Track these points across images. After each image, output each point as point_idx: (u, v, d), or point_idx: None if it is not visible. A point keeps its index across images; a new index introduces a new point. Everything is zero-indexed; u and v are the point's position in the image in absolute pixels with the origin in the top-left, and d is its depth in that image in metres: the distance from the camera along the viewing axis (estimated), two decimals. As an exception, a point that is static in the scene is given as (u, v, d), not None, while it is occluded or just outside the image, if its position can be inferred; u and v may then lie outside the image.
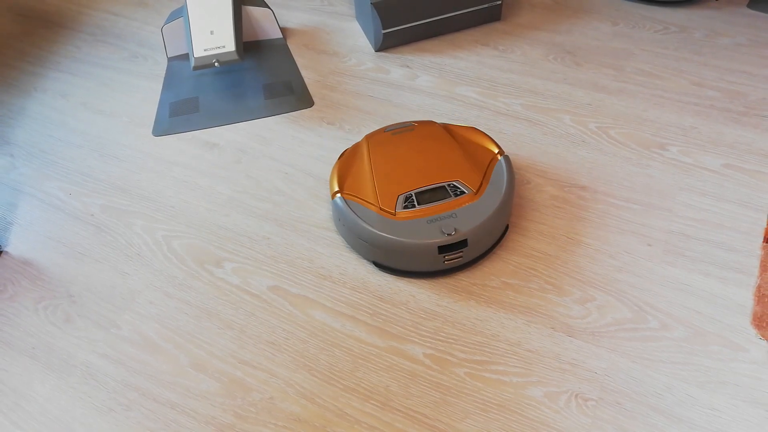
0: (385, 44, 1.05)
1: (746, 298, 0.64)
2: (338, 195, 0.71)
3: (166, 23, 1.05)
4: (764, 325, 0.62)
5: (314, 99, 0.97)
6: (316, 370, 0.62)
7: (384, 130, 0.79)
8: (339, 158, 0.76)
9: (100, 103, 1.01)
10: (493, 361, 0.61)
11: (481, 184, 0.69)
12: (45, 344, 0.66)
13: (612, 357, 0.60)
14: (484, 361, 0.61)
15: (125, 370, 0.63)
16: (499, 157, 0.73)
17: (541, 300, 0.66)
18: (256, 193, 0.82)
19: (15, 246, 0.78)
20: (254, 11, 1.07)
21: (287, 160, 0.87)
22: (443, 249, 0.65)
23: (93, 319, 0.68)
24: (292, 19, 1.18)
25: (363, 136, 0.90)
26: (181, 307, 0.68)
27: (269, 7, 1.08)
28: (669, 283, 0.66)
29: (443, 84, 0.98)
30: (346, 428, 0.57)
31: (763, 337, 0.61)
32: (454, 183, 0.69)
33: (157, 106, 0.99)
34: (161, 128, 0.94)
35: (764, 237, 0.70)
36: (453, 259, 0.66)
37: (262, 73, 1.03)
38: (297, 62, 1.06)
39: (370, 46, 1.08)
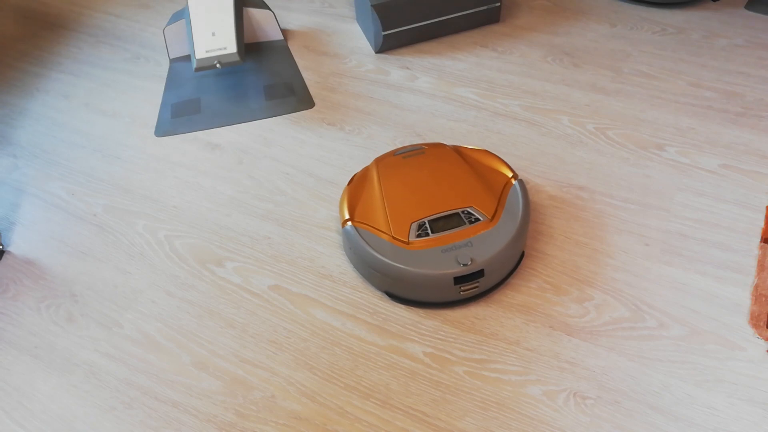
0: (385, 46, 1.06)
1: (743, 298, 0.65)
2: (349, 223, 0.68)
3: (167, 25, 1.05)
4: (761, 324, 0.62)
5: (315, 100, 0.98)
6: (317, 369, 0.62)
7: (394, 153, 0.76)
8: (348, 183, 0.74)
9: (102, 104, 1.01)
10: (492, 359, 0.62)
11: (496, 210, 0.67)
12: (47, 343, 0.67)
13: (610, 356, 0.61)
14: (483, 359, 0.62)
15: (127, 369, 0.63)
16: (513, 181, 0.71)
17: (539, 299, 0.67)
18: (258, 193, 0.83)
19: (18, 245, 0.78)
20: (255, 13, 1.07)
21: (288, 160, 0.87)
22: (459, 280, 0.62)
23: (95, 318, 0.69)
24: (292, 20, 1.19)
25: (363, 136, 0.90)
26: (182, 306, 0.69)
27: (270, 9, 1.09)
28: (666, 283, 0.67)
29: (442, 85, 0.99)
30: (346, 426, 0.57)
31: (761, 336, 0.61)
32: (469, 209, 0.67)
33: (159, 107, 1.00)
34: (163, 129, 0.95)
35: (761, 237, 0.71)
36: (469, 289, 0.64)
37: (263, 75, 1.04)
38: (298, 63, 1.06)
39: (370, 47, 1.09)
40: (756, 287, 0.66)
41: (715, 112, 0.89)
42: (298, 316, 0.67)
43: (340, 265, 0.72)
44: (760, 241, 0.70)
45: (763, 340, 0.61)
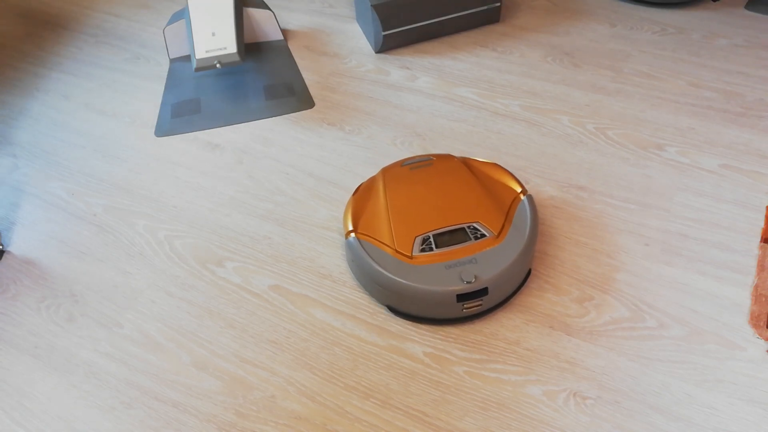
0: (385, 46, 1.06)
1: (743, 298, 0.65)
2: (352, 235, 0.67)
3: (167, 25, 1.05)
4: (761, 324, 0.62)
5: (315, 100, 0.98)
6: (317, 369, 0.62)
7: (401, 164, 0.75)
8: (354, 193, 0.73)
9: (102, 104, 1.01)
10: (492, 359, 0.62)
11: (503, 226, 0.65)
12: (47, 343, 0.67)
13: (610, 356, 0.61)
14: (483, 359, 0.62)
15: (127, 369, 0.63)
16: (521, 196, 0.69)
17: (539, 299, 0.67)
18: (258, 193, 0.83)
19: (18, 246, 0.78)
20: (255, 13, 1.07)
21: (288, 160, 0.87)
22: (462, 297, 0.61)
23: (95, 318, 0.69)
24: (292, 20, 1.19)
25: (363, 136, 0.90)
26: (182, 306, 0.69)
27: (270, 9, 1.09)
28: (666, 283, 0.67)
29: (442, 85, 0.99)
30: (346, 426, 0.57)
31: (761, 336, 0.61)
32: (475, 225, 0.65)
33: (159, 107, 1.00)
34: (163, 129, 0.95)
35: (762, 237, 0.71)
36: (472, 307, 0.62)
37: (263, 75, 1.04)
38: (298, 64, 1.06)
39: (370, 47, 1.09)
40: (756, 287, 0.66)
41: (715, 112, 0.89)
42: (298, 316, 0.67)
43: (340, 265, 0.72)
44: (760, 241, 0.70)
45: (763, 340, 0.61)
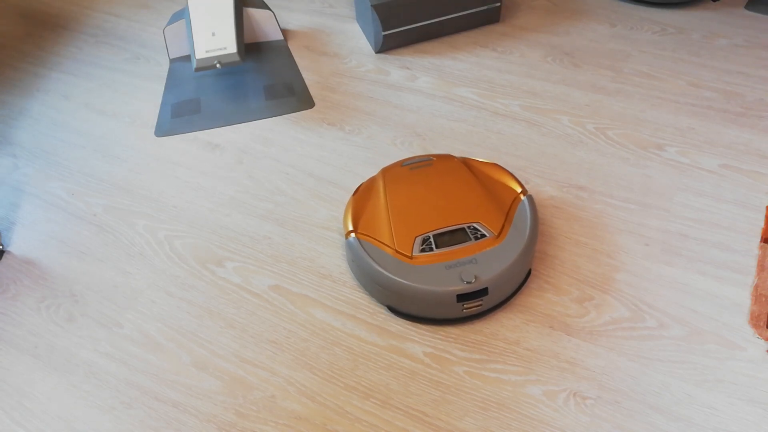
0: (385, 46, 1.06)
1: (743, 298, 0.65)
2: (352, 235, 0.67)
3: (167, 25, 1.05)
4: (761, 324, 0.62)
5: (315, 100, 0.98)
6: (317, 369, 0.62)
7: (401, 164, 0.75)
8: (354, 194, 0.73)
9: (102, 104, 1.01)
10: (492, 359, 0.62)
11: (503, 226, 0.66)
12: (47, 343, 0.67)
13: (610, 356, 0.61)
14: (483, 359, 0.62)
15: (127, 369, 0.63)
16: (522, 197, 0.69)
17: (539, 299, 0.67)
18: (258, 193, 0.83)
19: (18, 246, 0.78)
20: (255, 13, 1.07)
21: (288, 160, 0.87)
22: (462, 297, 0.61)
23: (95, 318, 0.69)
24: (292, 20, 1.19)
25: (363, 136, 0.90)
26: (182, 306, 0.69)
27: (270, 9, 1.09)
28: (666, 283, 0.67)
29: (442, 85, 0.99)
30: (346, 426, 0.57)
31: (761, 336, 0.61)
32: (475, 225, 0.65)
33: (159, 107, 1.00)
34: (163, 129, 0.95)
35: (762, 237, 0.71)
36: (472, 307, 0.62)
37: (263, 75, 1.04)
38: (298, 64, 1.06)
39: (370, 47, 1.09)
40: (756, 287, 0.66)
41: (715, 112, 0.89)
42: (298, 316, 0.67)
43: (340, 265, 0.72)
44: (760, 241, 0.70)
45: (763, 340, 0.61)
